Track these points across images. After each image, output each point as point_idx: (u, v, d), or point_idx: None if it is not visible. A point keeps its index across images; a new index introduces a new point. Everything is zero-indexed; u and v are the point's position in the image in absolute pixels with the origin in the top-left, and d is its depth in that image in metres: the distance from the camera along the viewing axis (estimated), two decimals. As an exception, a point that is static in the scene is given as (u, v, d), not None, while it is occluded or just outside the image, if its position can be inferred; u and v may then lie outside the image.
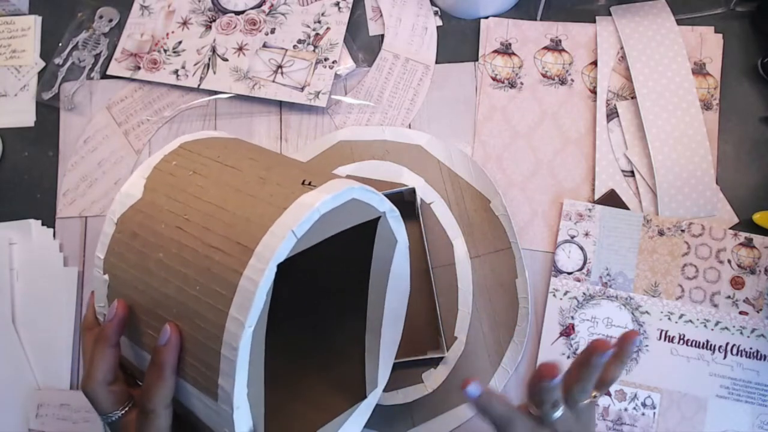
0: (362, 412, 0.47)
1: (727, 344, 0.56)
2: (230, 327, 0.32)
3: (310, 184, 0.36)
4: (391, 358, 0.49)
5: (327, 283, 0.51)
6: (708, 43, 0.64)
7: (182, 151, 0.41)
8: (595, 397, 0.41)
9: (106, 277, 0.39)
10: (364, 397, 0.46)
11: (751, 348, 0.56)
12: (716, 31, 0.64)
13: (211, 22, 0.69)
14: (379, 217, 0.43)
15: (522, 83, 0.64)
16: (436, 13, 0.68)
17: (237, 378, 0.33)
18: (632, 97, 0.62)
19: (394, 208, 0.44)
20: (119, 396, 0.39)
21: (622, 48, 0.63)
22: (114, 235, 0.38)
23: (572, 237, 0.59)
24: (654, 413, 0.56)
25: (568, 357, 0.57)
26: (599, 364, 0.39)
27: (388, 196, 0.57)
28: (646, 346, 0.57)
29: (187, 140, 0.43)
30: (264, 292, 0.32)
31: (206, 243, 0.34)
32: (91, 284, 0.39)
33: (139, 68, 0.68)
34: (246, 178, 0.37)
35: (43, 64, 0.70)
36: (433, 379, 0.56)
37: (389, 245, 0.45)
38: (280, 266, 0.33)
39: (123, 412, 0.38)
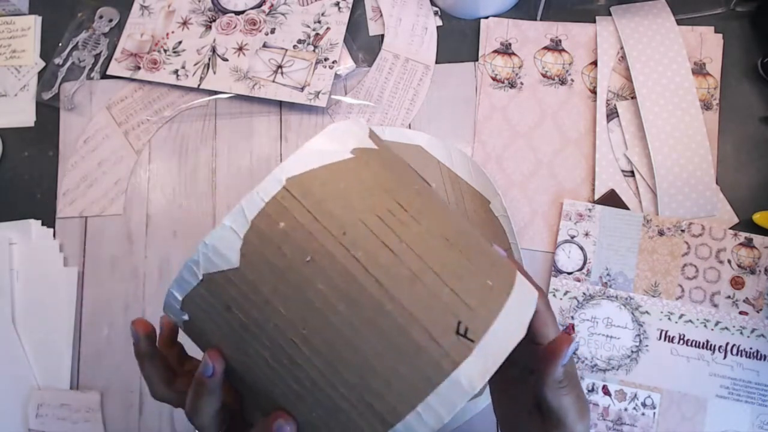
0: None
1: (727, 344, 0.56)
2: None
3: (465, 334, 0.28)
4: None
5: None
6: (708, 43, 0.64)
7: (290, 200, 0.29)
8: None
9: (186, 317, 0.32)
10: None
11: (751, 348, 0.56)
12: (716, 31, 0.64)
13: (211, 22, 0.69)
14: None
15: (522, 83, 0.64)
16: (436, 13, 0.68)
17: None
18: (632, 97, 0.62)
19: None
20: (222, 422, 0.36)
21: (622, 48, 0.63)
22: (198, 289, 0.30)
23: (572, 237, 0.59)
24: (654, 413, 0.56)
25: (568, 357, 0.57)
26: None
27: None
28: (646, 346, 0.57)
29: (295, 174, 0.29)
30: None
31: (328, 379, 0.28)
32: (162, 310, 0.34)
33: (139, 68, 0.68)
34: (382, 300, 0.28)
35: (43, 64, 0.70)
36: (433, 379, 0.56)
37: None
38: None
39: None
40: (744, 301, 0.57)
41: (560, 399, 0.33)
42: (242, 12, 0.69)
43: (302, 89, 0.64)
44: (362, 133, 0.33)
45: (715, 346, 0.56)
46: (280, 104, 0.66)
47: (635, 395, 0.56)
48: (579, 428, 0.33)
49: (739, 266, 0.58)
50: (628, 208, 0.60)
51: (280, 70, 0.66)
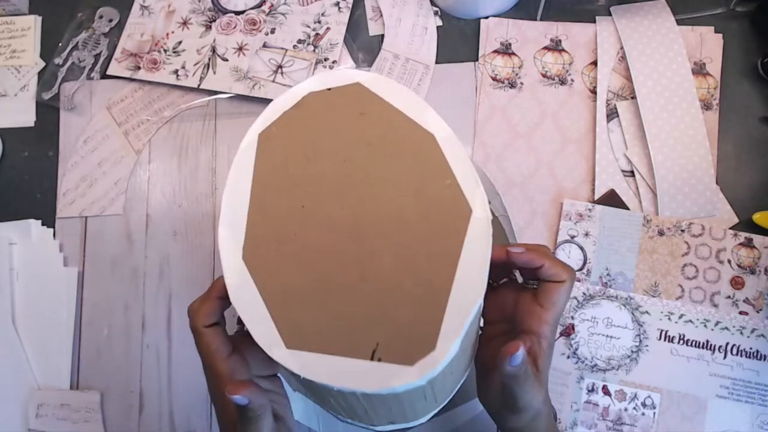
0: None
1: (727, 344, 0.56)
2: None
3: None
4: None
5: None
6: (708, 43, 0.64)
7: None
8: None
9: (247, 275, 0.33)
10: None
11: (751, 348, 0.56)
12: (716, 31, 0.64)
13: (211, 22, 0.69)
14: None
15: (522, 83, 0.64)
16: (436, 13, 0.68)
17: None
18: (632, 97, 0.62)
19: None
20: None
21: (622, 48, 0.63)
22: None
23: (572, 237, 0.59)
24: (654, 413, 0.56)
25: (568, 357, 0.57)
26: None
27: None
28: (646, 346, 0.57)
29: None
30: None
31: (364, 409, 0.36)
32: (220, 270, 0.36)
33: (139, 68, 0.68)
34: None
35: (43, 64, 0.70)
36: (433, 379, 0.56)
37: None
38: None
39: None
40: (744, 301, 0.57)
41: (516, 387, 0.37)
42: (242, 12, 0.69)
43: (302, 89, 0.64)
44: None
45: (715, 346, 0.56)
46: (280, 104, 0.66)
47: (635, 395, 0.56)
48: (534, 405, 0.38)
49: (739, 266, 0.58)
50: (628, 208, 0.60)
51: (280, 70, 0.66)
